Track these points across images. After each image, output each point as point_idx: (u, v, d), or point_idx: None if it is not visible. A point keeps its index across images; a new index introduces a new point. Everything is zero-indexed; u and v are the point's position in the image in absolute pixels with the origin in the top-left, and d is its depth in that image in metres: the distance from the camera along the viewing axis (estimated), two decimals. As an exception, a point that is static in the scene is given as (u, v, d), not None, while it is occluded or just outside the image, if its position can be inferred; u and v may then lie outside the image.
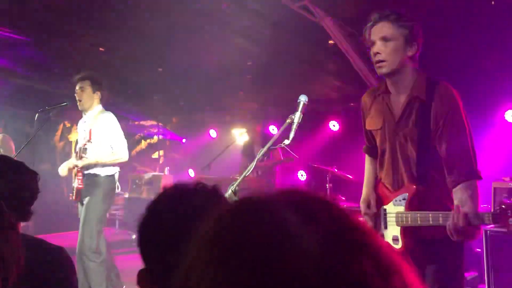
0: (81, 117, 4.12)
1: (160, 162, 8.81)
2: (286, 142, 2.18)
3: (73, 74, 5.56)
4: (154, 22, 4.48)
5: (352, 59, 5.13)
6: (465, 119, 2.00)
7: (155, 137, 9.05)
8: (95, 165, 3.76)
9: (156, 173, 7.69)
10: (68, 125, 9.19)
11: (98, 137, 3.83)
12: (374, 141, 2.28)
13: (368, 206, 2.28)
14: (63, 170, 3.91)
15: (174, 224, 0.91)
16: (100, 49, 5.52)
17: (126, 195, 7.27)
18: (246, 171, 2.09)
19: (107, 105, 4.18)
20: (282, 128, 2.21)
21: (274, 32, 4.78)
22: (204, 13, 4.36)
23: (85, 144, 3.72)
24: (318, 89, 6.46)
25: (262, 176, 6.25)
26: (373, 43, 2.07)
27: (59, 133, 9.00)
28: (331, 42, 5.00)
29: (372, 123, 2.24)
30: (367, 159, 2.43)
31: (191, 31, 4.71)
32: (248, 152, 6.35)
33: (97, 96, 3.95)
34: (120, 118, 4.07)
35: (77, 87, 3.93)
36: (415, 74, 2.10)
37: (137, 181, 7.23)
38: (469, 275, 4.42)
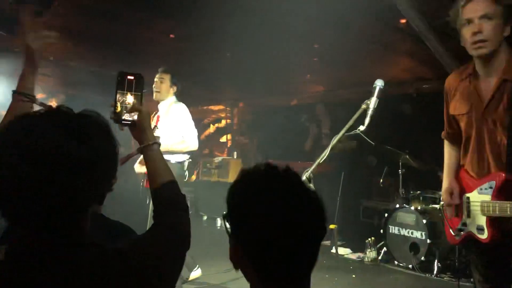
0: (157, 103, 4.29)
1: (228, 145, 8.97)
2: (362, 128, 2.12)
3: (145, 61, 5.79)
4: (222, 7, 4.51)
5: (426, 38, 4.89)
6: None
7: (223, 121, 9.21)
8: (169, 153, 3.88)
9: (226, 157, 7.85)
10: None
11: (169, 127, 3.98)
12: (457, 126, 2.18)
13: (451, 195, 2.20)
14: (138, 167, 4.05)
15: (267, 201, 0.96)
16: (170, 36, 5.65)
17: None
18: (320, 158, 2.06)
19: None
20: (357, 114, 2.15)
21: (341, 12, 4.64)
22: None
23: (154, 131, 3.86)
24: (389, 70, 6.23)
25: (331, 160, 6.17)
26: (469, 22, 1.94)
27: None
28: (403, 21, 4.79)
29: (457, 107, 2.14)
30: (447, 146, 2.35)
31: (258, 15, 4.68)
32: (316, 137, 6.29)
33: (173, 90, 4.14)
34: (189, 103, 4.21)
35: (156, 78, 4.12)
36: (508, 55, 1.98)
37: (208, 164, 7.44)
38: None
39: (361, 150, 5.90)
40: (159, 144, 1.36)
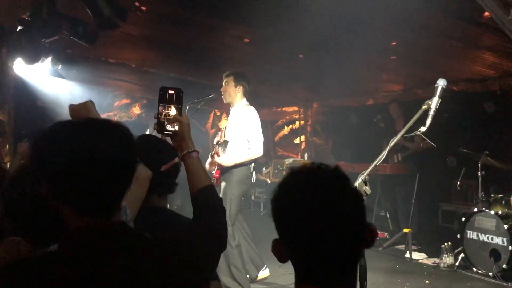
0: (228, 106, 4.47)
1: (302, 147, 8.99)
2: (422, 129, 2.08)
3: (220, 66, 6.01)
4: (294, 10, 4.55)
5: (510, 32, 4.59)
6: None
7: (297, 123, 9.23)
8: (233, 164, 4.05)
9: (297, 158, 7.88)
10: (218, 113, 9.92)
11: (236, 131, 4.13)
12: None
13: None
14: (207, 167, 4.27)
15: (304, 201, 0.98)
16: (245, 40, 5.81)
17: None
18: (377, 160, 2.04)
19: (250, 95, 4.43)
20: (417, 115, 2.11)
21: (419, 9, 4.49)
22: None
23: (221, 140, 4.07)
24: (471, 67, 5.91)
25: (404, 162, 5.97)
26: None
27: (210, 120, 9.77)
28: (486, 14, 4.54)
29: None
30: None
31: (332, 15, 4.66)
32: (388, 137, 6.11)
33: (239, 89, 4.27)
34: (263, 106, 4.32)
35: (223, 83, 4.31)
36: None
37: (278, 166, 7.53)
38: None
39: (439, 150, 5.65)
40: (198, 152, 1.49)
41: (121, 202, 1.16)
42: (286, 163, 7.40)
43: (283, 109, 9.33)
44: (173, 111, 1.47)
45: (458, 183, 5.26)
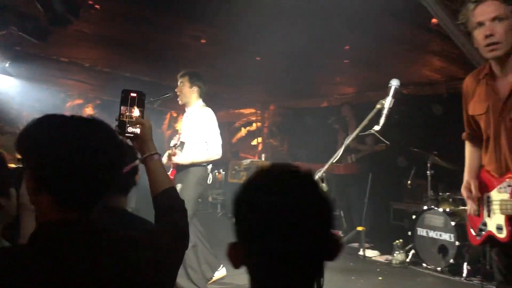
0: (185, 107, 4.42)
1: (259, 149, 9.05)
2: (376, 128, 2.14)
3: (176, 66, 5.95)
4: (252, 11, 4.58)
5: (456, 38, 4.82)
6: None
7: (254, 125, 9.28)
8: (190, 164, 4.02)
9: (254, 159, 7.93)
10: (174, 114, 9.81)
11: (193, 133, 4.09)
12: (477, 127, 2.19)
13: (469, 190, 2.21)
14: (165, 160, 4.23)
15: (269, 202, 0.92)
16: (201, 41, 5.78)
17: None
18: (333, 157, 2.10)
19: (208, 96, 4.41)
20: (371, 114, 2.17)
21: (371, 14, 4.64)
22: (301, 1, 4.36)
23: (178, 141, 4.05)
24: (420, 71, 6.16)
25: (358, 162, 6.14)
26: (481, 24, 1.95)
27: (166, 122, 9.65)
28: (434, 21, 4.74)
29: (475, 108, 2.15)
30: (468, 147, 2.37)
31: (288, 19, 4.73)
32: (343, 137, 6.27)
33: (194, 90, 4.21)
34: (220, 107, 4.29)
35: (178, 83, 4.25)
36: None
37: (236, 167, 7.55)
38: None
39: (390, 151, 5.85)
40: (159, 155, 1.51)
41: (102, 198, 1.16)
42: (244, 164, 7.44)
43: (240, 111, 9.35)
44: (135, 113, 1.48)
45: (409, 182, 5.47)
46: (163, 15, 4.88)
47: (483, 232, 2.15)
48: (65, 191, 1.09)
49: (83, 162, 1.08)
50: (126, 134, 1.47)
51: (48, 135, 1.09)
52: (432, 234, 4.68)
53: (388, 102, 2.19)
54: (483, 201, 2.16)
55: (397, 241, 5.01)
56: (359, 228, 5.43)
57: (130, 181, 1.94)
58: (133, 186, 1.96)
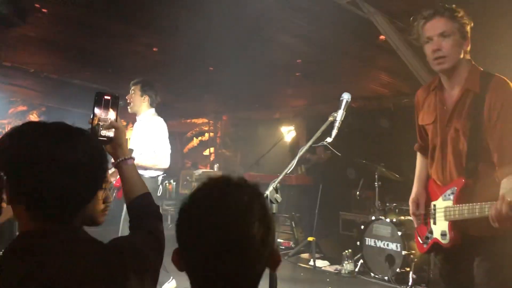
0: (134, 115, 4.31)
1: (211, 159, 9.00)
2: (329, 140, 2.17)
3: (127, 74, 5.82)
4: (206, 22, 4.58)
5: (403, 54, 5.03)
6: None
7: (206, 135, 9.24)
8: (138, 167, 3.92)
9: (206, 170, 7.87)
10: (124, 123, 9.59)
11: (143, 141, 4.00)
12: (427, 137, 2.27)
13: (417, 205, 2.29)
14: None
15: (210, 214, 0.94)
16: (154, 49, 5.71)
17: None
18: (287, 168, 2.11)
19: (159, 105, 4.34)
20: (324, 126, 2.21)
21: (323, 29, 4.76)
22: (254, 13, 4.41)
23: (129, 147, 3.95)
24: (368, 86, 6.37)
25: (308, 173, 6.24)
26: (429, 39, 2.06)
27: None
28: (382, 37, 4.92)
29: (424, 118, 2.25)
30: (419, 157, 2.44)
31: (242, 30, 4.77)
32: (295, 149, 6.36)
33: (145, 99, 4.11)
34: (172, 117, 4.22)
35: (130, 91, 4.14)
36: (469, 68, 2.09)
37: (188, 177, 7.45)
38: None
39: (340, 162, 5.99)
40: (133, 159, 1.47)
41: (84, 208, 1.13)
42: (196, 174, 7.36)
43: (193, 120, 9.30)
44: (109, 116, 1.45)
45: (357, 193, 5.60)
46: (116, 21, 4.79)
47: (429, 240, 2.22)
48: (41, 206, 1.05)
49: (60, 178, 1.04)
50: (100, 138, 1.43)
51: (25, 148, 1.06)
52: (379, 244, 4.81)
53: (339, 115, 2.23)
54: (429, 210, 2.23)
55: (346, 251, 5.10)
56: (310, 239, 5.50)
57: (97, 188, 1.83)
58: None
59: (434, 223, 2.18)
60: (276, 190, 2.00)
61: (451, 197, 2.06)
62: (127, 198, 1.41)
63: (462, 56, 2.06)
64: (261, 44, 5.14)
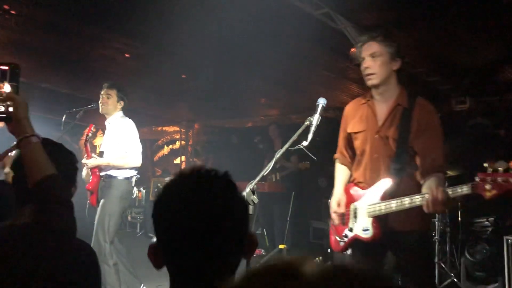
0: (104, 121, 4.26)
1: (182, 167, 8.93)
2: (304, 143, 2.22)
3: (98, 79, 5.74)
4: (179, 30, 4.57)
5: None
6: (440, 127, 2.37)
7: (178, 143, 9.17)
8: (110, 167, 3.89)
9: (178, 177, 7.78)
10: (93, 130, 9.41)
11: (113, 142, 3.97)
12: (351, 145, 2.58)
13: (339, 205, 2.53)
14: (85, 173, 4.05)
15: (187, 202, 0.94)
16: (126, 55, 5.65)
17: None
18: (265, 170, 2.13)
19: (130, 111, 4.31)
20: (300, 130, 2.26)
21: (295, 39, 4.82)
22: (227, 20, 4.43)
23: (100, 150, 3.92)
24: (340, 96, 6.48)
25: (283, 181, 6.27)
26: (363, 59, 2.41)
27: (84, 137, 9.23)
28: (353, 50, 5.02)
29: (355, 126, 2.53)
30: (338, 165, 2.72)
31: (214, 38, 4.78)
32: (270, 157, 6.38)
33: (120, 105, 4.11)
34: (143, 124, 4.19)
35: (103, 92, 4.09)
36: (399, 86, 2.45)
37: (159, 184, 7.36)
38: (492, 286, 4.37)
39: (312, 171, 6.05)
40: (38, 137, 1.31)
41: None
42: (167, 181, 7.27)
43: (164, 128, 9.21)
44: (4, 89, 1.28)
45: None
46: (87, 25, 4.71)
47: (348, 238, 2.46)
48: None
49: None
50: None
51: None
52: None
53: (315, 119, 2.32)
54: (350, 212, 2.46)
55: (316, 259, 5.14)
56: (281, 246, 5.52)
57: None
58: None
59: (355, 222, 2.42)
60: (253, 191, 2.01)
61: (378, 195, 2.32)
62: (31, 180, 1.25)
63: (390, 74, 2.39)
64: (235, 53, 5.16)
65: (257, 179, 2.06)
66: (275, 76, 5.96)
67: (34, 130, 1.29)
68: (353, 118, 2.56)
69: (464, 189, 2.06)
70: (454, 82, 5.59)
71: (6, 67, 1.30)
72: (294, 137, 2.24)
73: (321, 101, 2.38)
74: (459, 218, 4.91)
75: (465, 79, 5.38)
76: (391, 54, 2.37)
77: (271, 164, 2.15)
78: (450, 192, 2.08)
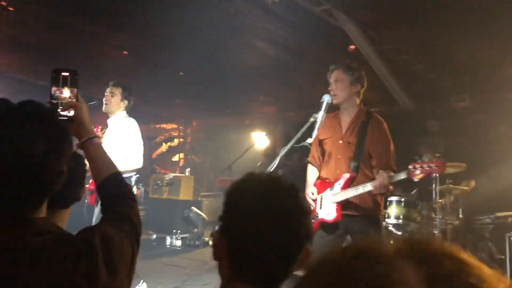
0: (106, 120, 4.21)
1: (180, 164, 8.92)
2: (310, 140, 2.23)
3: (95, 76, 5.71)
4: (177, 26, 4.55)
5: (374, 64, 5.15)
6: (389, 135, 2.92)
7: (176, 140, 9.15)
8: None
9: (177, 174, 7.77)
10: (99, 131, 9.38)
11: (115, 142, 3.91)
12: (321, 149, 3.10)
13: (312, 193, 3.03)
14: None
15: (262, 204, 1.00)
16: (124, 52, 5.63)
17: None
18: (269, 167, 2.13)
19: (130, 109, 4.27)
20: (305, 127, 2.27)
21: (295, 36, 4.81)
22: (226, 17, 4.42)
23: None
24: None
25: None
26: (330, 83, 2.99)
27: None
28: (352, 47, 5.02)
29: (324, 133, 3.00)
30: (309, 167, 3.26)
31: (212, 35, 4.77)
32: (270, 154, 6.37)
33: (123, 104, 4.04)
34: (141, 121, 4.14)
35: (107, 91, 4.03)
36: (359, 105, 3.02)
37: (158, 182, 7.32)
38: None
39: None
40: (99, 138, 1.38)
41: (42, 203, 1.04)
42: (166, 179, 7.24)
43: (162, 126, 9.19)
44: (67, 95, 1.33)
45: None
46: (85, 22, 4.69)
47: (315, 221, 2.91)
48: None
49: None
50: (59, 118, 1.30)
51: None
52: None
53: (320, 116, 2.34)
54: (316, 200, 2.99)
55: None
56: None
57: (74, 192, 1.52)
58: (76, 201, 1.54)
59: (320, 208, 2.95)
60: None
61: (340, 186, 2.86)
62: (96, 180, 1.30)
63: (350, 95, 2.96)
64: (234, 50, 5.15)
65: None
66: (274, 73, 5.95)
67: (94, 131, 1.34)
68: (323, 127, 2.97)
69: (401, 175, 2.64)
70: (453, 79, 5.60)
71: (67, 73, 1.36)
72: (299, 134, 2.24)
73: (326, 98, 2.40)
74: (460, 215, 4.93)
75: (465, 76, 5.39)
76: (351, 81, 2.95)
77: (276, 161, 2.15)
78: (392, 176, 2.65)
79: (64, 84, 1.35)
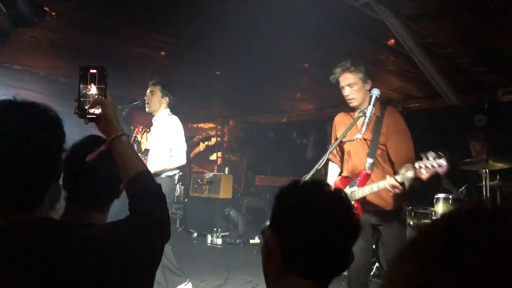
0: (150, 120, 4.28)
1: (218, 163, 8.97)
2: (358, 136, 2.18)
3: (134, 77, 5.79)
4: (213, 25, 4.56)
5: (416, 57, 5.00)
6: (406, 127, 2.95)
7: (213, 139, 9.21)
8: (158, 172, 3.89)
9: (217, 173, 7.82)
10: (141, 131, 9.56)
11: (160, 141, 3.97)
12: (340, 147, 3.12)
13: None
14: None
15: (323, 209, 1.05)
16: (161, 53, 5.69)
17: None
18: (318, 164, 2.10)
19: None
20: (353, 122, 2.23)
21: (333, 31, 4.73)
22: (263, 14, 4.39)
23: (142, 149, 3.94)
24: (379, 89, 6.32)
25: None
26: (343, 88, 2.97)
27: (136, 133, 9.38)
28: (391, 41, 4.89)
29: (341, 131, 2.98)
30: (331, 164, 3.29)
31: (249, 34, 4.75)
32: (314, 151, 6.30)
33: (165, 101, 4.11)
34: (180, 121, 4.17)
35: (148, 91, 4.10)
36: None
37: (198, 180, 7.39)
38: None
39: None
40: (128, 136, 1.33)
41: (44, 196, 1.04)
42: (206, 177, 7.30)
43: (199, 125, 9.27)
44: (94, 92, 1.31)
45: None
46: (124, 24, 4.76)
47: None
48: None
49: (11, 162, 0.98)
50: (88, 116, 1.30)
51: None
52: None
53: (369, 111, 2.30)
54: None
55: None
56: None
57: (113, 192, 1.48)
58: (114, 199, 1.51)
59: None
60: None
61: (357, 183, 2.88)
62: (125, 178, 1.27)
63: (365, 94, 2.90)
64: (269, 48, 5.11)
65: (311, 173, 2.03)
66: (310, 69, 5.88)
67: (123, 129, 1.32)
68: (340, 127, 3.08)
69: (410, 174, 2.60)
70: (500, 72, 5.38)
71: (95, 70, 1.34)
72: (347, 129, 2.19)
73: (375, 92, 2.35)
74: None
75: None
76: (363, 79, 2.93)
77: (325, 157, 2.12)
78: (400, 177, 2.61)
79: (92, 82, 1.33)
